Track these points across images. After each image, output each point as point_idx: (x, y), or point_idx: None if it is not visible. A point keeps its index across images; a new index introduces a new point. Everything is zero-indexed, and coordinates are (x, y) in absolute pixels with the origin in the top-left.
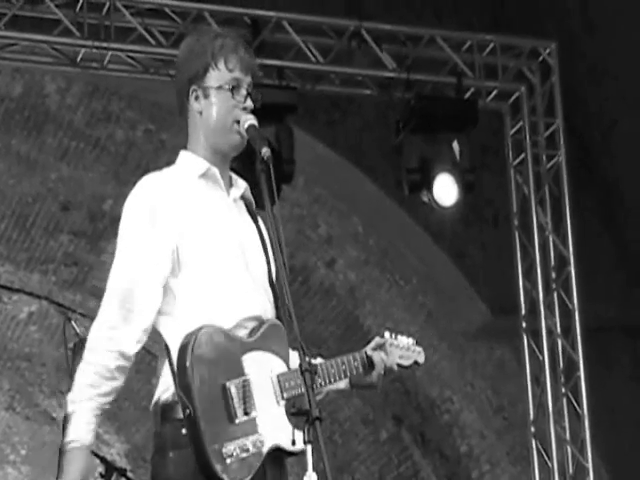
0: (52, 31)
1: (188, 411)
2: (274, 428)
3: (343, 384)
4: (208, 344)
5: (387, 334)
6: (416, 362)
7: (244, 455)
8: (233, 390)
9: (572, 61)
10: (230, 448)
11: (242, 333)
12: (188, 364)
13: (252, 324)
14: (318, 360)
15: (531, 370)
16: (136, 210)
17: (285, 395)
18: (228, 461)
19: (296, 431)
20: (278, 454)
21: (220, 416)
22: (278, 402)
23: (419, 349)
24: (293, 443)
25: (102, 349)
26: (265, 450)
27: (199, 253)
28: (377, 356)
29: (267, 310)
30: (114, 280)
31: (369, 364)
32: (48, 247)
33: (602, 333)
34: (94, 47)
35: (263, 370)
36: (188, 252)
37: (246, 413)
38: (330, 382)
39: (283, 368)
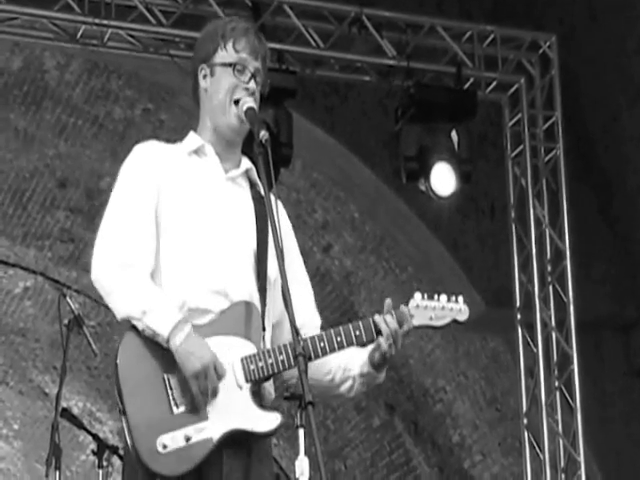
0: (52, 6)
1: (119, 407)
2: (232, 412)
3: (366, 367)
4: (149, 338)
5: (417, 295)
6: (455, 320)
7: (184, 444)
8: (173, 381)
9: (573, 52)
10: (165, 439)
11: (204, 319)
12: (118, 361)
13: (219, 301)
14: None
15: (525, 362)
16: (130, 171)
17: (249, 378)
18: (163, 452)
19: (267, 413)
20: (244, 438)
21: (158, 408)
22: (240, 386)
23: (459, 306)
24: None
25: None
26: (217, 436)
27: (173, 223)
28: (383, 321)
29: (238, 286)
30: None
31: (377, 332)
32: (44, 223)
33: (596, 327)
34: (94, 24)
35: (221, 356)
36: (165, 221)
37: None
38: (318, 356)
39: (250, 350)
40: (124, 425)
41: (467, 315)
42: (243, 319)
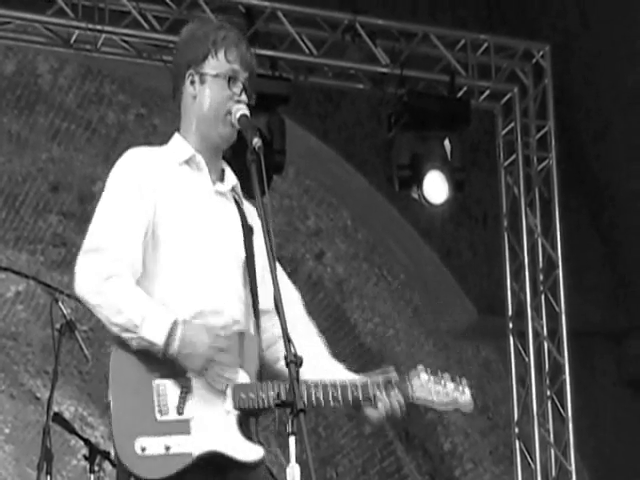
0: (46, 11)
1: (106, 399)
2: (215, 434)
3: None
4: None
5: (423, 375)
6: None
7: (163, 452)
8: (161, 388)
9: (566, 61)
10: (144, 442)
11: None
12: (113, 357)
13: (213, 321)
14: (328, 366)
15: (516, 371)
16: (119, 179)
17: (237, 405)
18: (141, 454)
19: (250, 444)
20: (225, 465)
21: (142, 411)
22: (227, 411)
23: (464, 398)
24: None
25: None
26: (196, 453)
27: (169, 238)
28: (384, 399)
29: (231, 305)
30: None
31: (374, 400)
32: (37, 227)
33: (588, 337)
34: (88, 29)
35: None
36: (162, 232)
37: (179, 413)
38: (312, 405)
39: (243, 379)
40: (110, 415)
41: (471, 407)
42: (237, 350)
